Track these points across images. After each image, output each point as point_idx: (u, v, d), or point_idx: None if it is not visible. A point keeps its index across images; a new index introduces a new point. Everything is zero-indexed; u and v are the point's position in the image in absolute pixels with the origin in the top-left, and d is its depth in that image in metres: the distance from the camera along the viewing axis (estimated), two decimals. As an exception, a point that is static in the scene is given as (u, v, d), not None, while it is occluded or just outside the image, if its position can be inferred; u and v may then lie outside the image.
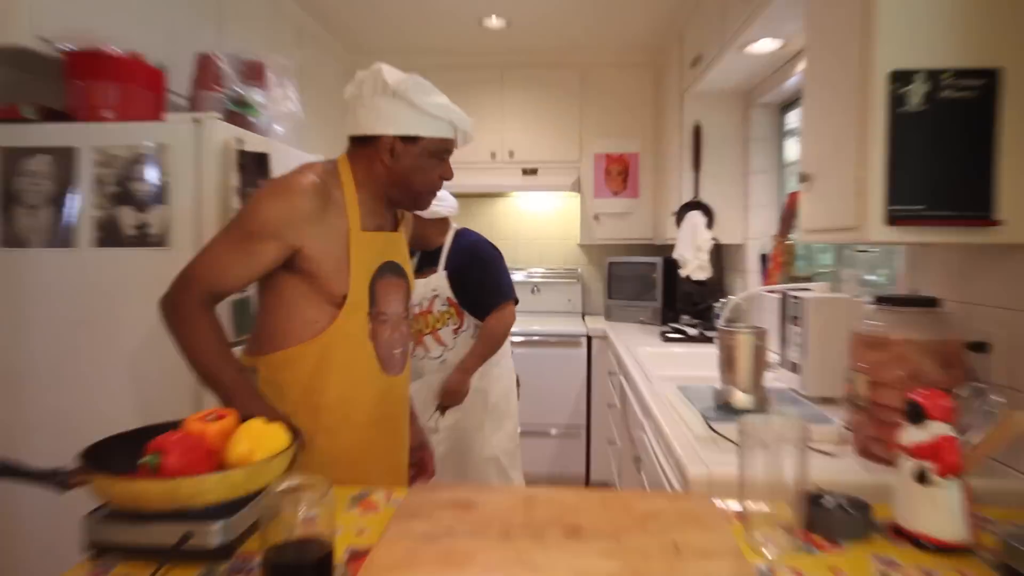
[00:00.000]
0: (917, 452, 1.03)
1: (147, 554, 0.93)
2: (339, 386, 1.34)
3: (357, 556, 0.97)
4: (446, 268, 2.35)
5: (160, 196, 1.62)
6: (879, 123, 1.26)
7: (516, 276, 4.22)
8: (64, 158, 1.62)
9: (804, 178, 1.58)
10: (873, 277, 2.16)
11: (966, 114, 1.23)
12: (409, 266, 1.51)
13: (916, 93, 1.25)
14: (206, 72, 1.84)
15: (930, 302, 1.36)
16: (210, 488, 0.92)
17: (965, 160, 1.24)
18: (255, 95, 1.94)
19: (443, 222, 2.43)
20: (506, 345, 2.52)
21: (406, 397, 1.52)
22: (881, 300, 1.41)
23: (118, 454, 1.03)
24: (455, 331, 2.36)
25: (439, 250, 2.39)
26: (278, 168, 1.94)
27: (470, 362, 2.34)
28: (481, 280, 2.35)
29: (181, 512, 0.93)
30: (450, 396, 2.32)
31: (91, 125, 1.62)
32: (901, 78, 1.24)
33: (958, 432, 1.05)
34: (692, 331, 3.24)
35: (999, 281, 1.37)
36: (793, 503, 1.03)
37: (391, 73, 1.34)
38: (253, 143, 1.78)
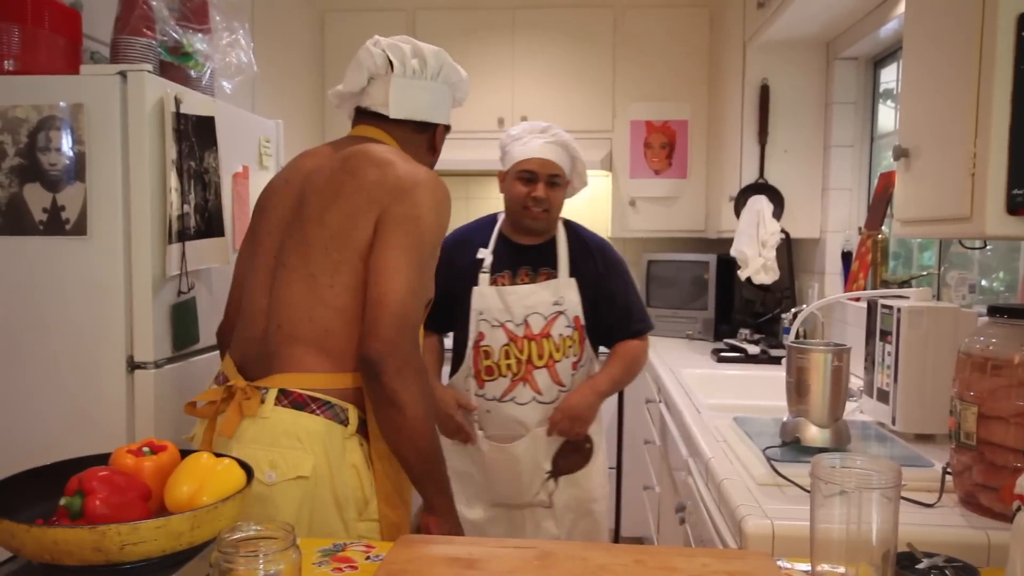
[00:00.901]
0: (1039, 503, 1.06)
1: (67, 619, 0.97)
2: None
3: (328, 625, 1.01)
4: (575, 274, 2.07)
5: (76, 171, 1.67)
6: (1004, 82, 1.27)
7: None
8: (-50, 120, 1.67)
9: (901, 154, 1.62)
10: (987, 282, 2.19)
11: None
12: None
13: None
14: (132, 11, 1.88)
15: (1059, 314, 1.39)
16: (146, 537, 0.96)
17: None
18: (196, 42, 1.99)
19: None
20: None
21: None
22: (997, 311, 1.44)
23: (31, 494, 1.08)
24: (574, 365, 2.07)
25: (546, 247, 2.10)
26: (226, 137, 1.99)
27: (603, 383, 2.09)
28: (626, 297, 2.13)
29: (110, 567, 0.97)
30: (570, 421, 2.01)
31: (-16, 79, 1.68)
32: (1034, 22, 1.27)
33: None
34: (753, 349, 3.27)
35: None
36: (879, 566, 1.06)
37: (434, 54, 1.67)
38: (194, 104, 1.83)
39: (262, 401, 1.47)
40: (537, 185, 1.98)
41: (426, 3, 3.98)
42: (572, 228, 2.16)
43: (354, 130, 1.70)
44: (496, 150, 4.00)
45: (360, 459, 1.53)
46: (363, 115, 1.69)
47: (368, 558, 1.24)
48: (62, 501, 1.02)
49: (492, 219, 2.14)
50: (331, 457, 1.47)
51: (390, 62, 1.62)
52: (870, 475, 1.03)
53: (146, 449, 1.13)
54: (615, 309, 2.09)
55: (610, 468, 3.28)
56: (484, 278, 2.02)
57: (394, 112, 1.62)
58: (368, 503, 1.53)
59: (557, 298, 2.02)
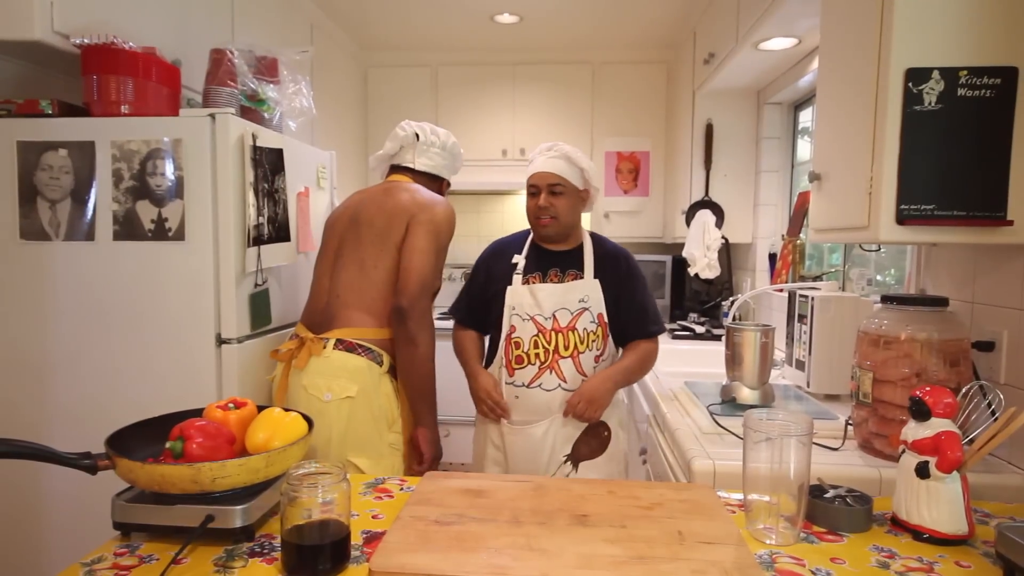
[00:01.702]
0: (919, 447, 1.07)
1: (172, 534, 0.98)
2: None
3: (372, 539, 1.02)
4: (598, 276, 1.89)
5: (176, 191, 1.67)
6: (894, 121, 1.28)
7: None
8: (82, 152, 1.67)
9: (815, 177, 1.62)
10: (881, 277, 2.19)
11: (982, 113, 1.26)
12: None
13: (931, 91, 1.28)
14: (220, 67, 1.88)
15: (937, 301, 1.40)
16: (231, 473, 0.97)
17: (979, 159, 1.27)
18: (268, 91, 1.99)
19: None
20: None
21: None
22: (888, 299, 1.45)
23: (143, 439, 1.09)
24: (597, 358, 1.85)
25: (573, 253, 1.93)
26: (292, 164, 1.99)
27: (618, 374, 1.84)
28: (644, 300, 1.92)
29: (204, 495, 0.98)
30: (586, 404, 1.78)
31: (108, 120, 1.67)
32: (917, 76, 1.27)
33: (961, 429, 1.09)
34: (700, 328, 3.27)
35: (1007, 281, 1.40)
36: (795, 495, 1.06)
37: (446, 133, 2.04)
38: (267, 139, 1.83)
39: (324, 346, 1.73)
40: (540, 196, 1.85)
41: (446, 60, 3.97)
42: (597, 238, 1.98)
43: (390, 178, 2.00)
44: (500, 175, 4.05)
45: (391, 390, 1.80)
46: (396, 169, 2.00)
47: (402, 489, 1.25)
48: (167, 444, 1.03)
49: (526, 232, 1.97)
50: (370, 386, 1.74)
51: (416, 135, 1.96)
52: (789, 425, 1.03)
53: (231, 405, 1.14)
54: (633, 310, 1.88)
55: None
56: (517, 279, 1.88)
57: (418, 166, 1.96)
58: (395, 421, 1.80)
59: (583, 296, 1.85)
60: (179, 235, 1.68)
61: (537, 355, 1.82)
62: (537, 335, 1.80)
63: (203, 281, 1.69)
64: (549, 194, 1.84)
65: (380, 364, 1.77)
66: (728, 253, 3.37)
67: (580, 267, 1.88)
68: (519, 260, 1.91)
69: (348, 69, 3.70)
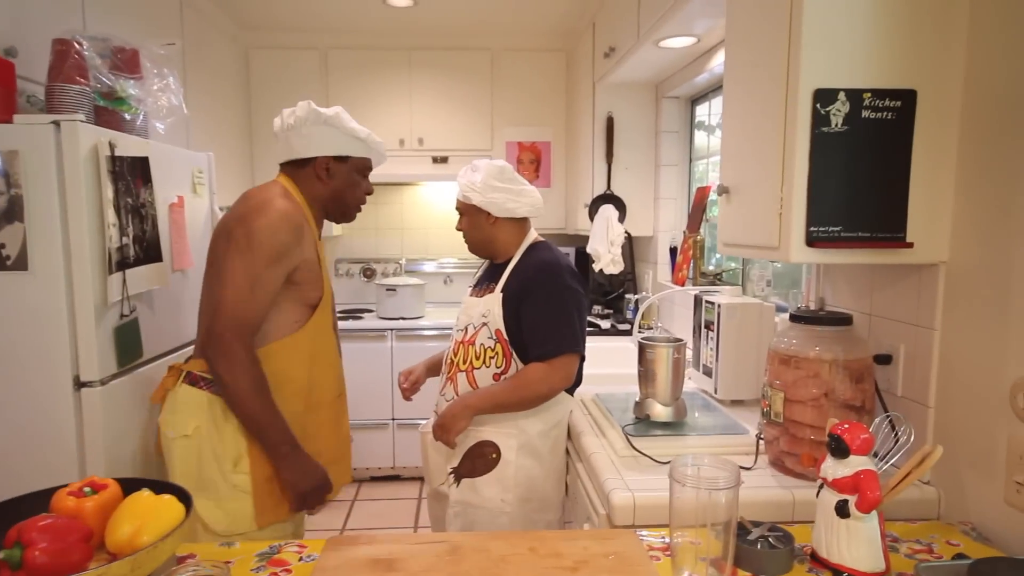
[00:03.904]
0: (839, 486, 1.05)
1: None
2: (316, 370, 1.61)
3: (266, 643, 0.89)
4: (503, 290, 1.78)
5: (14, 212, 1.41)
6: (803, 142, 1.26)
7: (426, 267, 4.12)
8: None
9: (723, 190, 1.59)
10: (774, 273, 2.24)
11: (884, 135, 1.26)
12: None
13: (838, 112, 1.26)
14: (65, 60, 1.60)
15: (843, 320, 1.40)
16: (87, 587, 0.80)
17: (882, 181, 1.27)
18: (129, 87, 1.73)
19: (518, 227, 1.85)
20: (561, 409, 1.82)
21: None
22: (796, 318, 1.44)
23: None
24: (496, 377, 1.75)
25: (502, 266, 1.84)
26: (161, 172, 1.75)
27: (478, 399, 1.72)
28: (538, 317, 1.72)
29: (51, 617, 0.80)
30: (438, 427, 1.71)
31: (-78, 127, 1.38)
32: (824, 97, 1.25)
33: (873, 458, 1.09)
34: (605, 323, 3.27)
35: (904, 296, 1.43)
36: (719, 536, 1.03)
37: (316, 107, 1.61)
38: (128, 146, 1.59)
39: (178, 379, 1.54)
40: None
41: (337, 43, 3.71)
42: (530, 249, 1.84)
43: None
44: (398, 166, 3.85)
45: (237, 426, 1.53)
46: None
47: (301, 559, 1.11)
48: (1, 554, 0.84)
49: None
50: (215, 421, 1.51)
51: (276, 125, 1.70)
52: (717, 479, 0.99)
53: (87, 489, 0.96)
54: (524, 328, 1.73)
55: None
56: (468, 290, 1.95)
57: (280, 158, 1.67)
58: (240, 459, 1.53)
59: (485, 311, 1.78)
60: (20, 264, 1.43)
61: (447, 365, 1.87)
62: (454, 346, 1.85)
63: (54, 316, 1.45)
64: (459, 216, 1.89)
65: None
66: (631, 247, 3.38)
67: (499, 281, 1.81)
68: (479, 273, 1.97)
69: (227, 52, 3.37)
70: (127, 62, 1.75)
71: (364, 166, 1.69)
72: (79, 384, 1.49)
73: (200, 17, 3.01)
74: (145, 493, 0.95)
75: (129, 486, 1.00)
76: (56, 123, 1.42)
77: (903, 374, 1.44)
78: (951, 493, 1.31)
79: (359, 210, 1.73)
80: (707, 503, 0.99)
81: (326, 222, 1.71)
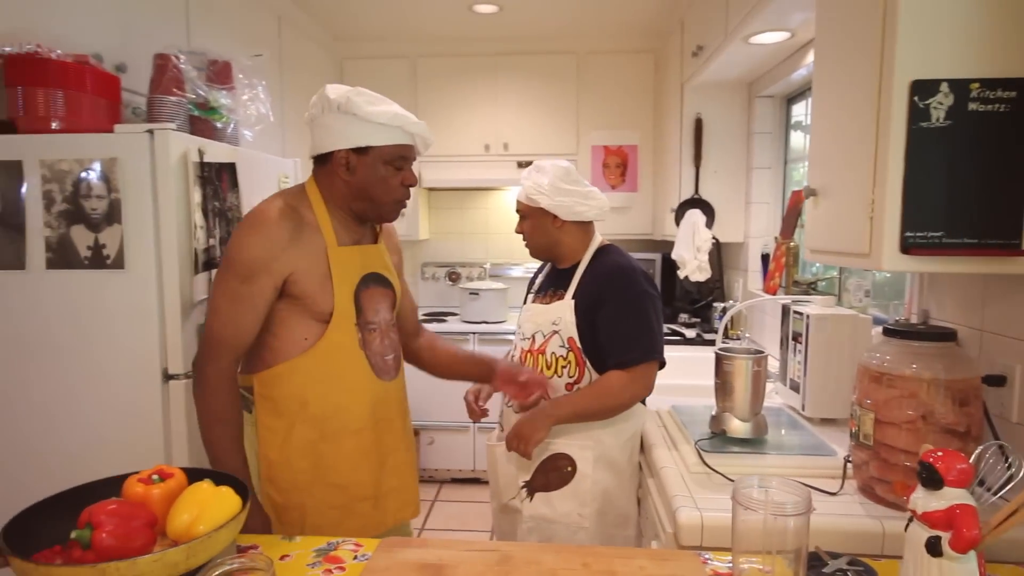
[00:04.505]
0: (930, 520, 0.94)
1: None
2: (335, 395, 1.37)
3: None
4: (575, 296, 1.72)
5: (113, 214, 1.52)
6: (897, 139, 1.14)
7: (511, 271, 4.13)
8: (8, 173, 1.51)
9: (811, 193, 1.48)
10: (875, 282, 2.07)
11: (995, 130, 1.12)
12: (394, 275, 1.52)
13: (940, 106, 1.14)
14: (164, 74, 1.72)
15: (945, 335, 1.27)
16: (144, 571, 0.84)
17: (991, 182, 1.13)
18: (221, 98, 1.83)
19: (584, 230, 1.79)
20: (637, 420, 1.75)
21: (402, 400, 1.54)
22: (890, 332, 1.32)
23: (54, 519, 0.95)
24: (569, 387, 1.69)
25: (569, 272, 1.78)
26: (249, 177, 1.84)
27: (561, 408, 1.64)
28: (617, 324, 1.66)
29: (112, 597, 0.84)
30: (515, 437, 1.62)
31: (35, 136, 1.51)
32: (923, 88, 1.13)
33: (974, 491, 0.97)
34: (690, 333, 3.15)
35: (1019, 310, 1.28)
36: (791, 565, 0.95)
37: (334, 89, 1.36)
38: (216, 153, 1.68)
39: None
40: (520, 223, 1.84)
41: (426, 51, 3.79)
42: (600, 253, 1.78)
43: None
44: (483, 170, 3.89)
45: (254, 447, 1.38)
46: None
47: (356, 557, 1.12)
48: (73, 534, 0.89)
49: None
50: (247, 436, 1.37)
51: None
52: (784, 504, 0.91)
53: (155, 476, 1.01)
54: (606, 335, 1.66)
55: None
56: (530, 297, 1.88)
57: (312, 155, 1.42)
58: (258, 482, 1.37)
59: (556, 318, 1.71)
60: (118, 263, 1.53)
61: None
62: (521, 355, 1.78)
63: (146, 312, 1.55)
64: (520, 220, 1.81)
65: (249, 411, 1.39)
66: (719, 253, 3.25)
67: (567, 287, 1.75)
68: (539, 279, 1.90)
69: (322, 63, 3.52)
70: (220, 74, 1.85)
71: (394, 155, 1.37)
72: (167, 376, 1.58)
73: (296, 30, 3.16)
74: (205, 484, 0.99)
75: (195, 476, 1.04)
76: (151, 132, 1.53)
77: (1019, 398, 1.28)
78: (1074, 536, 1.15)
79: (400, 206, 1.43)
80: (773, 529, 0.92)
81: (411, 225, 1.64)
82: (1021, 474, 1.02)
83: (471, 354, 1.77)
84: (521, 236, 1.83)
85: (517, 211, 1.83)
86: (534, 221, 1.79)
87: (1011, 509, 0.93)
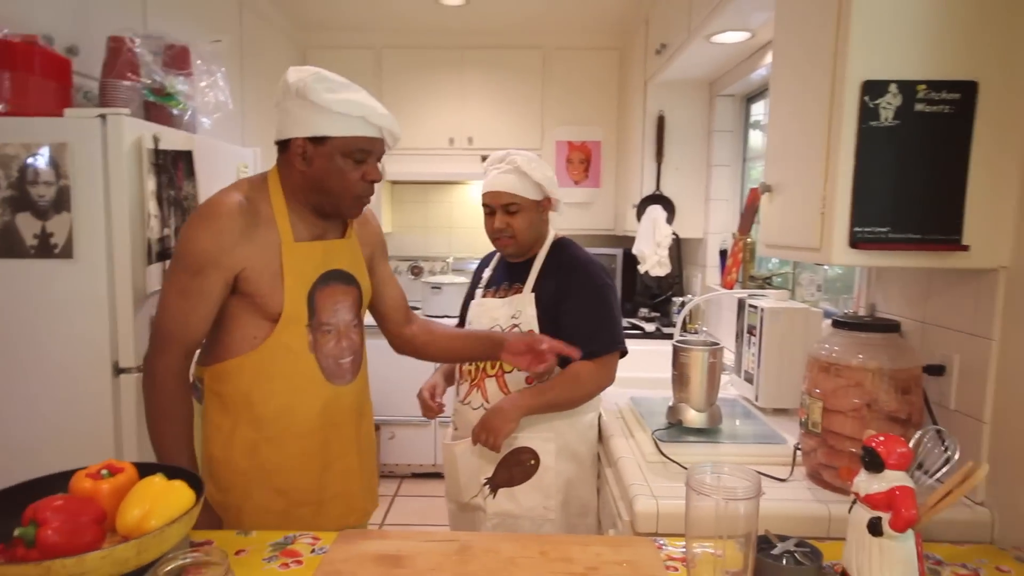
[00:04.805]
0: (872, 502, 0.98)
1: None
2: (280, 396, 1.31)
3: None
4: (535, 290, 1.72)
5: (62, 202, 1.47)
6: (848, 137, 1.18)
7: (474, 265, 4.12)
8: (-49, 157, 1.46)
9: (766, 188, 1.52)
10: (825, 277, 2.13)
11: (939, 130, 1.16)
12: (363, 271, 1.44)
13: (888, 106, 1.18)
14: (118, 57, 1.67)
15: (890, 327, 1.32)
16: (91, 568, 0.82)
17: (935, 180, 1.18)
18: (178, 84, 1.78)
19: (548, 223, 1.82)
20: (593, 410, 1.80)
21: (357, 404, 1.45)
22: (839, 324, 1.36)
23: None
24: (529, 380, 1.69)
25: (530, 262, 1.77)
26: (206, 166, 1.80)
27: (529, 399, 1.64)
28: (581, 316, 1.68)
29: (58, 594, 0.82)
30: (483, 430, 1.61)
31: (-22, 120, 1.46)
32: (873, 89, 1.17)
33: (913, 473, 1.01)
34: (649, 327, 3.20)
35: (960, 303, 1.33)
36: (742, 548, 0.97)
37: (295, 72, 1.27)
38: (171, 140, 1.64)
39: None
40: (495, 216, 1.72)
41: (391, 42, 3.76)
42: (557, 246, 1.77)
43: None
44: (447, 164, 3.88)
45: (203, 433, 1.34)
46: None
47: (313, 551, 1.11)
48: (16, 532, 0.87)
49: None
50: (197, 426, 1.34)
51: None
52: (735, 489, 0.93)
53: (104, 472, 0.98)
54: (571, 327, 1.64)
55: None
56: (479, 292, 1.82)
57: (274, 141, 1.34)
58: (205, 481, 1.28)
59: (515, 312, 1.70)
60: (66, 252, 1.49)
61: (469, 372, 1.75)
62: None
63: (96, 303, 1.51)
64: (504, 214, 1.71)
65: (200, 402, 1.35)
66: (679, 249, 3.29)
67: (524, 280, 1.74)
68: (487, 272, 1.85)
69: (284, 51, 3.46)
70: (177, 58, 1.81)
71: (353, 147, 1.27)
72: (118, 370, 1.54)
73: (258, 17, 3.09)
74: (157, 478, 0.97)
75: (146, 471, 1.01)
76: (102, 117, 1.48)
77: (957, 386, 1.33)
78: (1006, 515, 1.21)
79: (361, 202, 1.34)
80: (725, 514, 0.94)
81: (378, 217, 1.49)
82: (956, 457, 1.07)
83: (474, 332, 1.69)
84: (500, 232, 1.73)
85: (506, 204, 1.71)
86: (529, 215, 1.73)
87: (946, 490, 0.98)
